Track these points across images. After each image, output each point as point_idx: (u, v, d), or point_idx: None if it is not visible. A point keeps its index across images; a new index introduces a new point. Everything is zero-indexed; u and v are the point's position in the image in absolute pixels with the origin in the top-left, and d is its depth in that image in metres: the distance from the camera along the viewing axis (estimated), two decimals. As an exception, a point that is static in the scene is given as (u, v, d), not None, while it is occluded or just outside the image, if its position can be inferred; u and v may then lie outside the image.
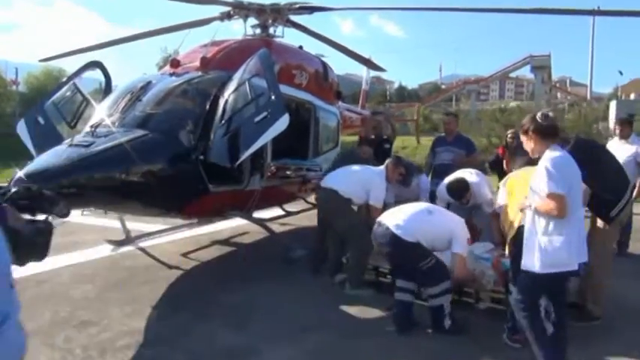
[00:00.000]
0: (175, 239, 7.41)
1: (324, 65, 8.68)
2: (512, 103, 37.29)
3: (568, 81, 77.55)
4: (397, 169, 5.10)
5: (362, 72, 14.24)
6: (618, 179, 4.06)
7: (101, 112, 5.66)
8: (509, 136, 6.73)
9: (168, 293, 5.01)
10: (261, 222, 6.36)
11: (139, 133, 5.11)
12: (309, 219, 8.37)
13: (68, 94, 6.49)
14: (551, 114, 3.43)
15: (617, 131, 6.50)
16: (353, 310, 4.53)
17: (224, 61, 6.32)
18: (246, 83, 5.38)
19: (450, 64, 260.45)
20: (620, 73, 46.44)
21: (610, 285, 4.30)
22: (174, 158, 5.20)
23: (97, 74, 6.86)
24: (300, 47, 8.25)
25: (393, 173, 5.09)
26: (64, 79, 6.77)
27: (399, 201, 5.71)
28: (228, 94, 5.39)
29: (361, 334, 4.01)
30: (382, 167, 5.19)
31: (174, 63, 6.37)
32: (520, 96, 76.07)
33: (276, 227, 7.22)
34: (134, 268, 5.87)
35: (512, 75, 65.12)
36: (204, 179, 5.38)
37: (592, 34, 39.95)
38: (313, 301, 4.77)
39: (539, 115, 3.33)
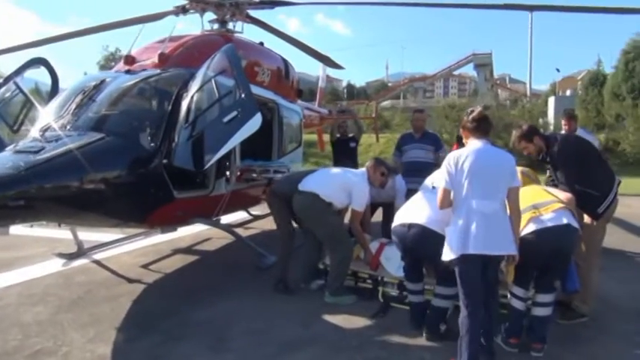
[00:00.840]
0: (133, 249, 6.92)
1: (286, 62, 8.38)
2: (462, 100, 38.13)
3: (507, 78, 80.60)
4: (378, 169, 4.88)
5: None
6: (605, 176, 4.03)
7: (50, 114, 5.10)
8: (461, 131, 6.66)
9: (133, 311, 4.56)
10: (228, 228, 5.98)
11: (95, 136, 4.64)
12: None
13: (8, 95, 5.85)
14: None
15: (565, 125, 6.61)
16: (337, 320, 4.27)
17: (184, 57, 5.90)
18: (212, 81, 5.00)
19: (397, 62, 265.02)
20: (558, 70, 48.52)
21: (597, 283, 4.26)
22: (136, 163, 4.76)
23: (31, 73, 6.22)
24: (261, 44, 7.91)
25: (374, 174, 4.87)
26: (1, 79, 6.08)
27: (375, 203, 5.53)
28: (192, 93, 4.99)
29: (351, 347, 3.75)
30: (363, 170, 4.96)
31: (129, 60, 5.87)
32: (463, 93, 78.42)
33: (240, 232, 6.84)
34: (90, 284, 5.35)
35: (456, 72, 67.27)
36: (168, 185, 4.98)
37: (530, 32, 41.64)
38: (294, 312, 4.47)
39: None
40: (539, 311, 3.66)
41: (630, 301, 4.58)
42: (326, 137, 14.26)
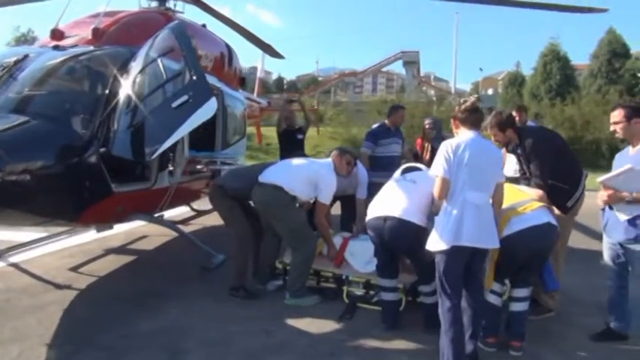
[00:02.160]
0: (56, 250, 6.16)
1: (229, 48, 7.86)
2: (390, 96, 38.85)
3: (432, 76, 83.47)
4: (344, 158, 4.58)
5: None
6: (574, 170, 3.99)
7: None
8: (427, 125, 6.59)
9: (65, 323, 3.93)
10: (173, 225, 5.43)
11: (18, 119, 3.95)
12: (217, 218, 7.56)
13: None
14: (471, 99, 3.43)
15: (515, 117, 6.64)
16: (302, 325, 3.93)
17: (121, 34, 5.25)
18: (159, 61, 4.48)
19: (328, 56, 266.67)
20: (481, 69, 51.05)
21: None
22: (67, 150, 4.12)
23: None
24: (204, 26, 7.34)
25: (340, 164, 4.56)
26: None
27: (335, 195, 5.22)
28: (135, 74, 4.44)
29: (323, 355, 3.43)
30: (329, 160, 4.63)
31: (57, 34, 5.11)
32: (391, 89, 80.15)
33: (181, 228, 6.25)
34: (10, 292, 4.62)
35: (384, 69, 68.66)
36: (106, 177, 4.37)
37: (456, 33, 43.29)
38: (253, 317, 4.07)
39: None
40: (516, 306, 3.55)
41: (590, 295, 4.60)
42: (266, 130, 13.90)
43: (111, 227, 5.06)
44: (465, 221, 3.10)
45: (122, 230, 6.90)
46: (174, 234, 6.64)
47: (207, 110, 4.17)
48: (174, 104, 4.21)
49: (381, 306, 3.97)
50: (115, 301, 4.42)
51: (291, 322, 3.99)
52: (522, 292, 3.57)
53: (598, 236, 3.98)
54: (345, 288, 4.40)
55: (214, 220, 7.47)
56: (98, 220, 4.65)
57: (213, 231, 7.22)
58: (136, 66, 4.49)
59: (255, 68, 15.21)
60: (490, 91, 40.84)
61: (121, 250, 6.33)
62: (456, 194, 3.17)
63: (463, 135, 3.32)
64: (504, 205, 3.51)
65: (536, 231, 3.39)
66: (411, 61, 51.69)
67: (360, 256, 4.39)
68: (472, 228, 3.09)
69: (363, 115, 27.74)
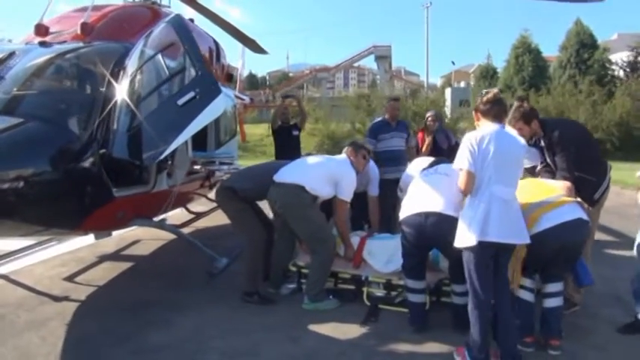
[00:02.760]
0: (46, 258, 5.81)
1: (217, 44, 7.60)
2: (364, 90, 38.84)
3: (403, 70, 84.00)
4: (360, 153, 4.40)
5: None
6: (599, 161, 3.93)
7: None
8: (429, 118, 6.51)
9: (71, 341, 3.65)
10: (175, 230, 5.15)
11: (12, 120, 3.65)
12: (210, 219, 7.32)
13: None
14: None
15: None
16: (327, 330, 3.75)
17: (111, 29, 4.93)
18: (160, 56, 4.22)
19: (298, 52, 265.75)
20: (453, 63, 51.33)
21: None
22: (66, 154, 3.83)
23: None
24: (192, 20, 7.05)
25: (357, 159, 4.39)
26: None
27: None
28: (135, 70, 4.17)
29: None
30: (344, 156, 4.45)
31: (42, 30, 4.77)
32: (362, 84, 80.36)
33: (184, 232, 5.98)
34: (4, 307, 4.28)
35: (355, 64, 68.79)
36: (106, 182, 4.10)
37: (427, 26, 43.57)
38: (273, 324, 3.87)
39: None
40: (550, 302, 3.45)
41: (603, 286, 4.57)
42: (254, 128, 13.66)
43: (109, 234, 4.77)
44: (491, 216, 3.01)
45: (113, 235, 6.54)
46: (169, 237, 6.42)
47: (216, 107, 3.94)
48: (180, 101, 3.96)
49: (409, 308, 3.82)
50: (120, 313, 4.14)
51: (314, 327, 3.81)
52: (555, 286, 3.47)
53: (601, 228, 3.93)
54: (364, 289, 4.24)
55: (208, 221, 7.28)
56: (99, 227, 4.36)
57: (208, 233, 6.98)
58: (135, 62, 4.23)
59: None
60: (462, 84, 41.22)
61: (115, 256, 6.02)
62: (482, 188, 3.08)
63: (486, 127, 3.21)
64: (533, 201, 3.42)
65: (568, 227, 3.28)
66: (383, 56, 51.94)
67: (379, 256, 4.24)
68: (499, 223, 3.00)
69: (338, 110, 27.68)
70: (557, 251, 3.34)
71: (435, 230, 3.46)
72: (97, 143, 4.00)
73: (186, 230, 6.94)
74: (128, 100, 4.04)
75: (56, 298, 4.51)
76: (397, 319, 3.89)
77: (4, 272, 5.22)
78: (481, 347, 3.10)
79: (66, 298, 4.52)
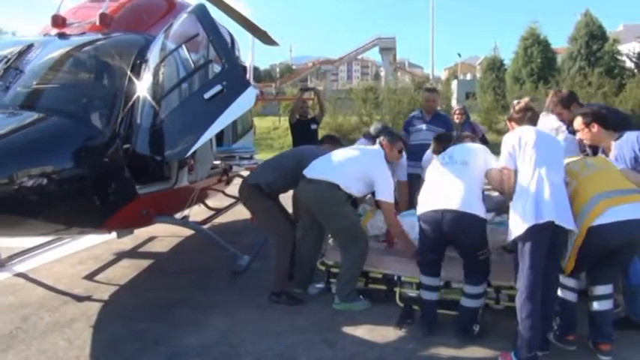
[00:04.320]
0: (64, 256, 5.69)
1: (231, 36, 7.43)
2: (368, 82, 38.58)
3: (406, 63, 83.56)
4: (395, 146, 4.23)
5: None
6: None
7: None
8: (457, 111, 6.38)
9: (99, 343, 3.51)
10: (198, 227, 5.02)
11: (34, 116, 3.52)
12: (225, 215, 7.16)
13: None
14: None
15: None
16: (362, 333, 3.61)
17: (131, 19, 4.84)
18: (184, 47, 4.07)
19: (301, 45, 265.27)
20: (459, 55, 50.91)
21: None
22: (90, 151, 3.71)
23: None
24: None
25: (392, 152, 4.21)
26: None
27: None
28: (158, 63, 4.03)
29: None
30: (377, 147, 4.25)
31: (59, 21, 4.63)
32: (366, 77, 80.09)
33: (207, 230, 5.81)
34: (26, 308, 4.16)
35: (358, 57, 68.41)
36: (130, 179, 3.97)
37: (432, 18, 43.21)
38: (305, 326, 3.73)
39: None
40: (601, 305, 3.27)
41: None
42: (261, 121, 13.50)
43: (131, 232, 4.64)
44: (544, 197, 3.02)
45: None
46: (185, 234, 6.30)
47: (247, 99, 3.78)
48: (207, 95, 3.81)
49: (420, 305, 3.71)
50: (147, 314, 4.01)
51: (348, 330, 3.67)
52: (603, 289, 3.29)
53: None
54: (397, 289, 4.10)
55: (223, 217, 7.14)
56: (122, 226, 4.22)
57: (224, 229, 6.86)
58: (158, 54, 4.08)
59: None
60: (468, 77, 40.91)
61: (133, 253, 5.89)
62: (531, 175, 3.12)
63: (523, 128, 3.39)
64: (601, 190, 3.18)
65: (633, 225, 3.08)
66: (387, 48, 51.53)
67: (412, 233, 4.07)
68: (552, 204, 3.01)
69: (343, 102, 27.47)
70: (614, 248, 3.17)
71: (452, 228, 3.38)
72: (121, 139, 3.87)
73: (206, 227, 6.83)
74: (152, 94, 3.90)
75: (79, 298, 4.38)
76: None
77: (22, 270, 5.11)
78: (531, 346, 3.00)
79: (89, 298, 4.39)
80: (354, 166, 4.05)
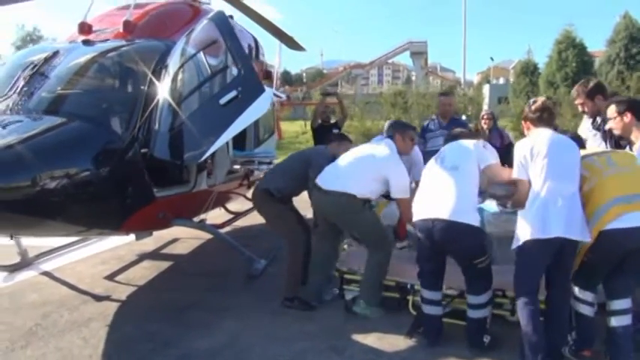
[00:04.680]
0: (88, 256, 5.85)
1: (256, 41, 7.54)
2: (398, 87, 38.32)
3: (438, 67, 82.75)
4: (407, 135, 4.15)
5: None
6: None
7: (-12, 94, 4.00)
8: (484, 117, 6.29)
9: (113, 343, 3.61)
10: (216, 231, 5.08)
11: (55, 120, 3.64)
12: (245, 218, 7.21)
13: None
14: None
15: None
16: (371, 341, 3.57)
17: (154, 26, 4.94)
18: (202, 54, 4.14)
19: (332, 49, 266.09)
20: (492, 59, 49.96)
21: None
22: (109, 154, 3.82)
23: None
24: (231, 17, 6.97)
25: (404, 143, 4.13)
26: None
27: None
28: (177, 68, 4.10)
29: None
30: (388, 142, 4.14)
31: (86, 28, 4.78)
32: (397, 81, 79.53)
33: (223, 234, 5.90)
34: (47, 305, 4.30)
35: (389, 61, 68.09)
36: (148, 182, 4.06)
37: (464, 22, 42.67)
38: (315, 332, 3.73)
39: None
40: (618, 321, 3.13)
41: None
42: (289, 125, 13.57)
43: (151, 234, 4.73)
44: (551, 211, 2.98)
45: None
46: (207, 236, 6.35)
47: (260, 105, 3.83)
48: (223, 100, 3.87)
49: (423, 321, 3.62)
50: (161, 315, 4.08)
51: (358, 337, 3.64)
52: (621, 303, 3.14)
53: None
54: (410, 298, 4.05)
55: (243, 220, 7.19)
56: (140, 228, 4.32)
57: (243, 232, 6.92)
58: (177, 60, 4.17)
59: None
60: (501, 80, 40.11)
61: (155, 255, 6.01)
62: (540, 186, 3.07)
63: (537, 133, 3.27)
64: (620, 194, 3.05)
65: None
66: (418, 52, 51.14)
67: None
68: (560, 218, 2.96)
69: (372, 107, 27.34)
70: (627, 255, 3.04)
71: (443, 237, 3.33)
72: (139, 143, 3.96)
73: (224, 230, 6.90)
74: (169, 99, 3.97)
75: (98, 298, 4.50)
76: (445, 331, 3.67)
77: (47, 269, 5.28)
78: (537, 350, 3.00)
79: (107, 298, 4.51)
80: (367, 169, 3.98)
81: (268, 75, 8.49)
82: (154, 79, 4.12)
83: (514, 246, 3.14)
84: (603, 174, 3.14)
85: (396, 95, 26.16)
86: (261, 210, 4.47)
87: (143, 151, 3.97)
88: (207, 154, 3.85)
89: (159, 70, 4.18)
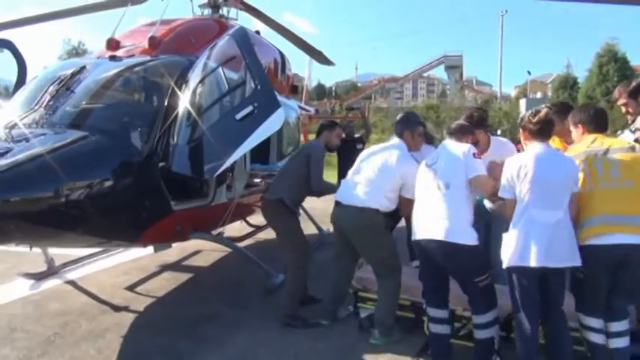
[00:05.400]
0: (111, 266, 5.96)
1: (282, 55, 7.59)
2: (431, 101, 38.01)
3: (474, 80, 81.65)
4: (416, 131, 4.03)
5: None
6: None
7: (17, 108, 4.16)
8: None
9: (125, 354, 3.65)
10: (233, 244, 5.11)
11: (77, 134, 3.74)
12: (267, 231, 7.22)
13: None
14: None
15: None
16: (383, 362, 3.51)
17: (178, 43, 5.04)
18: (221, 69, 4.19)
19: (366, 62, 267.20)
20: (529, 73, 49.12)
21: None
22: (128, 168, 3.90)
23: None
24: (258, 32, 7.08)
25: (414, 140, 4.01)
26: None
27: None
28: (196, 84, 4.17)
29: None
30: (399, 141, 4.01)
31: (113, 44, 4.94)
32: (431, 94, 78.90)
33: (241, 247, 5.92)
34: (67, 315, 4.40)
35: (424, 74, 67.76)
36: (165, 195, 4.11)
37: (501, 35, 42.08)
38: (326, 350, 3.68)
39: None
40: (617, 342, 3.06)
41: None
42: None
43: (169, 246, 4.80)
44: (531, 241, 2.92)
45: (175, 244, 6.67)
46: (229, 249, 6.41)
47: (274, 121, 3.84)
48: (239, 116, 3.90)
49: (430, 340, 3.53)
50: (175, 328, 4.10)
51: (369, 358, 3.58)
52: (618, 325, 3.07)
53: None
54: (425, 318, 3.93)
55: (264, 233, 7.20)
56: (157, 240, 4.39)
57: (264, 246, 6.93)
58: (196, 76, 4.24)
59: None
60: (539, 95, 39.26)
61: (176, 266, 6.08)
62: (521, 213, 3.01)
63: (530, 150, 3.12)
64: (611, 211, 2.97)
65: (624, 248, 2.90)
66: (453, 65, 50.86)
67: None
68: (540, 248, 2.89)
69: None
70: (612, 272, 3.01)
71: (439, 257, 3.29)
72: (158, 157, 4.03)
73: (244, 243, 6.93)
74: (188, 114, 4.03)
75: (116, 308, 4.57)
76: (460, 353, 3.56)
77: (72, 278, 5.41)
78: (530, 351, 3.02)
79: (125, 309, 4.57)
80: (387, 181, 3.84)
81: (295, 89, 8.54)
82: (173, 94, 4.20)
83: (503, 266, 3.08)
84: (599, 184, 3.04)
85: (429, 109, 25.91)
86: (272, 222, 4.48)
87: (161, 164, 4.04)
88: (222, 168, 3.88)
89: (179, 85, 4.26)
